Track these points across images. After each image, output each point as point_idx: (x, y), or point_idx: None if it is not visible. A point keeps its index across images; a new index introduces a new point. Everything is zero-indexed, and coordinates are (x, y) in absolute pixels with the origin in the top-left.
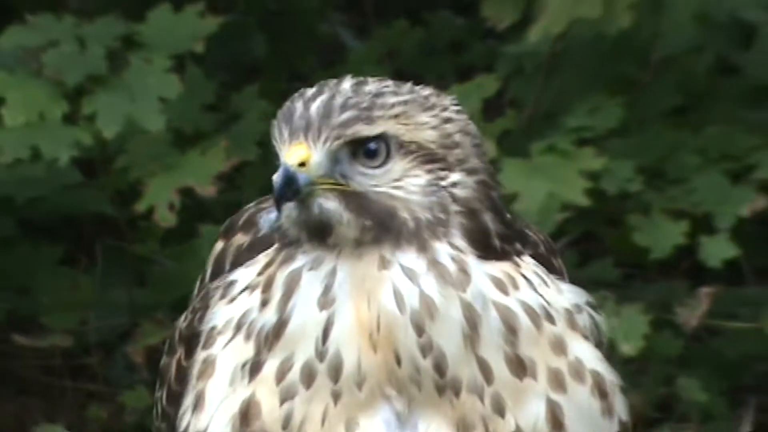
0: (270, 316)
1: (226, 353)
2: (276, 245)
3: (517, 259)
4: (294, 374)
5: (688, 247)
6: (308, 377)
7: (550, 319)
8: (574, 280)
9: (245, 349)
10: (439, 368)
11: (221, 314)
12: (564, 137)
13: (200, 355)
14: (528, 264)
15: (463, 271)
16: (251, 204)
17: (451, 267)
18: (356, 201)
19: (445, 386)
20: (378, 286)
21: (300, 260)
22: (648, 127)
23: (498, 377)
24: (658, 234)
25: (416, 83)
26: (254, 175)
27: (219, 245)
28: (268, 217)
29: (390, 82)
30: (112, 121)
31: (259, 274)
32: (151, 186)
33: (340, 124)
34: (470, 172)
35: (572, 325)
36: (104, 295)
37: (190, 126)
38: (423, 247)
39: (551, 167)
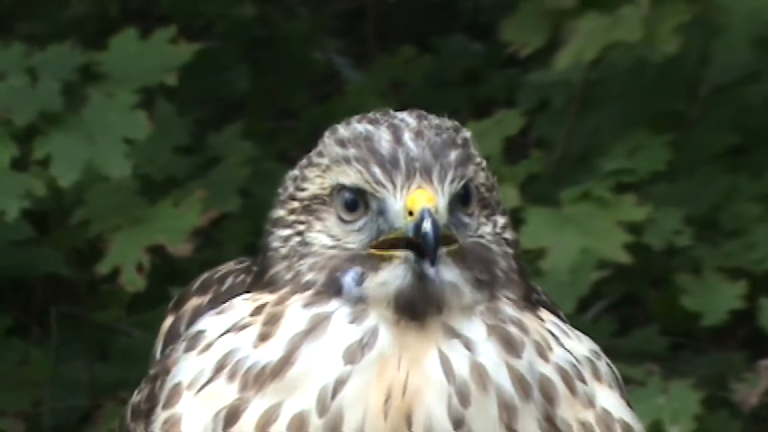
0: (269, 353)
1: (195, 406)
2: (268, 289)
3: (537, 311)
4: (280, 425)
5: (747, 312)
6: (297, 430)
7: (581, 377)
8: (610, 351)
9: (225, 393)
10: None
11: (190, 366)
12: (600, 182)
13: (161, 416)
14: (547, 315)
15: (524, 331)
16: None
17: (513, 329)
18: (462, 260)
19: None
20: (426, 348)
21: (332, 305)
22: (699, 170)
23: None
24: (711, 297)
25: None
26: (235, 229)
27: (168, 320)
28: (351, 277)
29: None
30: (68, 167)
31: (254, 313)
32: (115, 243)
33: (458, 163)
34: (504, 213)
35: (596, 375)
36: (60, 371)
37: (160, 172)
38: (490, 307)
39: (585, 218)
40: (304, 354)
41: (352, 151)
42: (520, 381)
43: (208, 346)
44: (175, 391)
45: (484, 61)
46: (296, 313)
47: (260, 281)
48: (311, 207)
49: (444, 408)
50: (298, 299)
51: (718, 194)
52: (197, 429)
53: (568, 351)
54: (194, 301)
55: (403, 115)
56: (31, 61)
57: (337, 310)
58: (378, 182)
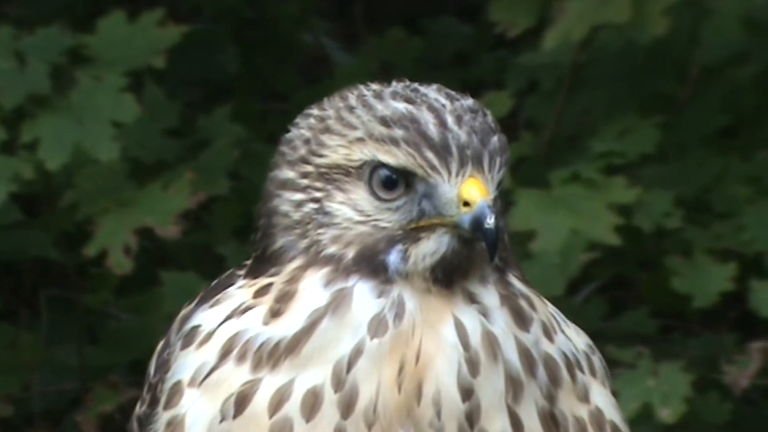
0: (284, 329)
1: (199, 401)
2: (271, 265)
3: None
4: (293, 403)
5: (737, 294)
6: (311, 407)
7: (580, 367)
8: (600, 333)
9: (233, 377)
10: (471, 417)
11: (189, 361)
12: (590, 164)
13: (162, 417)
14: (545, 301)
15: (532, 307)
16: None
17: (523, 303)
18: None
19: None
20: (444, 315)
21: (352, 280)
22: (689, 152)
23: None
24: (701, 279)
25: None
26: (225, 212)
27: (161, 343)
28: (396, 256)
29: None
30: (57, 150)
31: (257, 295)
32: (103, 226)
33: (501, 150)
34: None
35: (591, 369)
36: (50, 354)
37: (149, 155)
38: (502, 279)
39: (575, 200)
40: (324, 328)
41: (399, 133)
42: (526, 355)
43: (208, 336)
44: (176, 390)
45: (474, 43)
46: (315, 288)
47: (260, 262)
48: (331, 175)
49: (454, 377)
50: (316, 275)
51: (708, 176)
52: (203, 424)
53: (569, 339)
54: (182, 312)
55: (429, 91)
56: (20, 44)
57: (358, 284)
58: (432, 167)
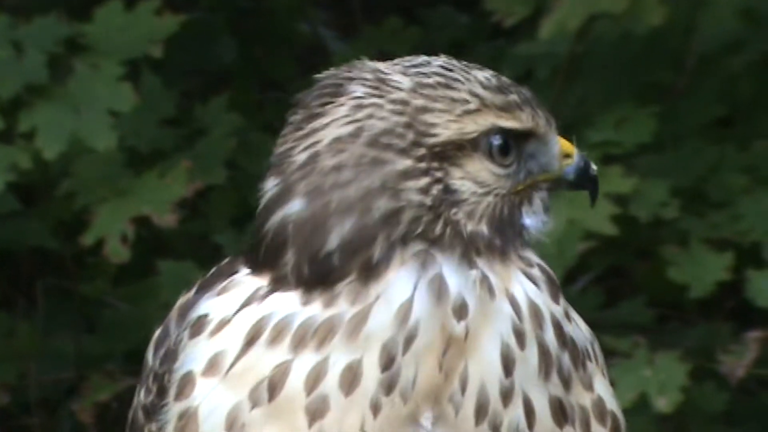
0: (338, 309)
1: (219, 391)
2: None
3: None
4: (331, 380)
5: (733, 284)
6: (350, 383)
7: (587, 353)
8: (596, 323)
9: (265, 361)
10: (506, 394)
11: (201, 351)
12: (586, 154)
13: (173, 408)
14: None
15: (554, 284)
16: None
17: (551, 273)
18: None
19: (485, 418)
20: (505, 283)
21: (445, 264)
22: (685, 142)
23: (539, 422)
24: (697, 268)
25: None
26: (221, 201)
27: (156, 332)
28: (531, 220)
29: None
30: (54, 139)
31: (277, 282)
32: (100, 215)
33: None
34: None
35: (595, 358)
36: (46, 343)
37: (146, 144)
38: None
39: None
40: (416, 314)
41: (513, 97)
42: (559, 332)
43: (221, 325)
44: (187, 381)
45: (471, 33)
46: (407, 277)
47: (331, 269)
48: (445, 153)
49: (497, 350)
50: (408, 264)
51: (704, 165)
52: (221, 415)
53: (578, 324)
54: (180, 301)
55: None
56: (17, 33)
57: (446, 266)
58: (548, 124)
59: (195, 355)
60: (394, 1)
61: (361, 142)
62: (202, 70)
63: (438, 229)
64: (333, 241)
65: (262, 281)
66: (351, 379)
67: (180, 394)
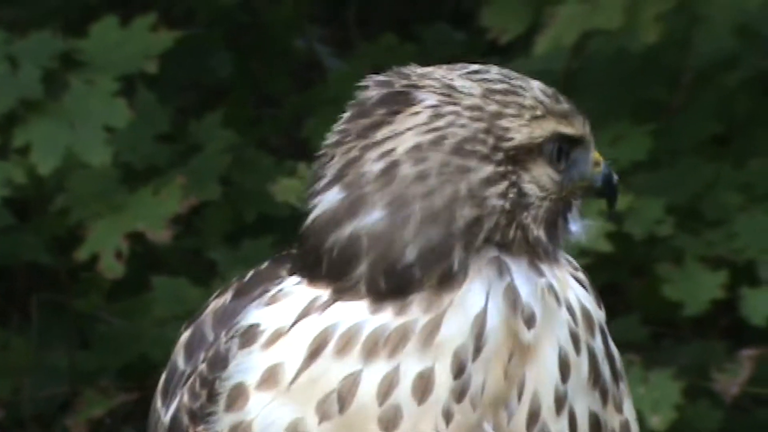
0: (410, 316)
1: (279, 404)
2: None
3: None
4: (403, 389)
5: (728, 302)
6: (423, 391)
7: (621, 375)
8: None
9: (333, 371)
10: (559, 403)
11: (255, 363)
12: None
13: (224, 419)
14: None
15: (595, 290)
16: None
17: (588, 283)
18: None
19: (534, 427)
20: (561, 287)
21: (517, 274)
22: (681, 160)
23: None
24: (692, 286)
25: None
26: (216, 217)
27: (185, 334)
28: (575, 224)
29: None
30: (49, 154)
31: (341, 292)
32: (94, 230)
33: None
34: None
35: (624, 378)
36: (41, 358)
37: (141, 160)
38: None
39: None
40: (490, 323)
41: (566, 106)
42: (605, 339)
43: (276, 336)
44: (239, 393)
45: (467, 50)
46: (479, 287)
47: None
48: (518, 157)
49: (556, 357)
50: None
51: (700, 183)
52: (278, 429)
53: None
54: (214, 305)
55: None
56: (12, 48)
57: (517, 276)
58: (590, 131)
59: (247, 366)
60: (390, 18)
61: (444, 150)
62: (197, 85)
63: (511, 233)
64: (411, 252)
65: (318, 291)
66: (423, 387)
67: (232, 406)
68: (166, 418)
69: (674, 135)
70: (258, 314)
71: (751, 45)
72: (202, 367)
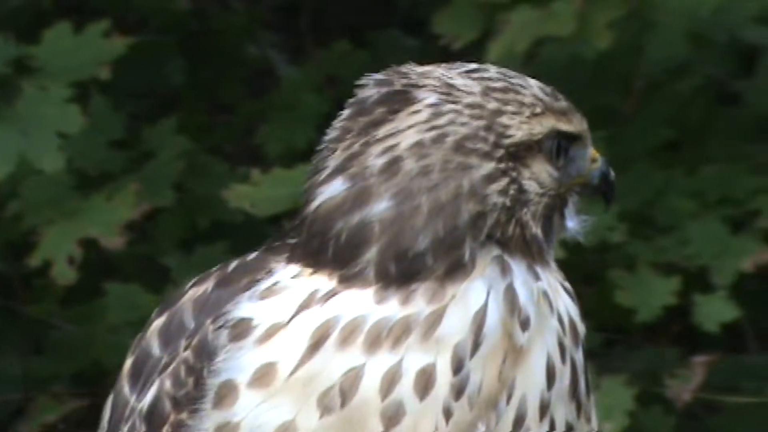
0: (414, 308)
1: (275, 401)
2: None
3: None
4: (406, 384)
5: (680, 308)
6: (424, 387)
7: (591, 387)
8: None
9: (334, 365)
10: (543, 409)
11: (248, 359)
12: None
13: (211, 416)
14: None
15: (578, 301)
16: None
17: (573, 293)
18: None
19: (519, 431)
20: (550, 291)
21: (516, 273)
22: (633, 166)
23: None
24: (644, 292)
25: None
26: (170, 224)
27: (159, 320)
28: (574, 220)
29: None
30: (1, 161)
31: (346, 282)
32: (47, 236)
33: None
34: None
35: (592, 392)
36: None
37: (94, 166)
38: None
39: None
40: (489, 321)
41: (564, 103)
42: (584, 348)
43: (273, 331)
44: (228, 390)
45: (420, 56)
46: (482, 284)
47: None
48: (518, 153)
49: (544, 363)
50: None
51: (652, 190)
52: (272, 428)
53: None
54: (193, 292)
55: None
56: None
57: (517, 276)
58: (587, 128)
59: (238, 363)
60: (344, 25)
61: (445, 147)
62: (150, 92)
63: (510, 230)
64: (423, 240)
65: (319, 282)
66: (425, 382)
67: (219, 403)
68: (143, 403)
69: (626, 141)
70: (251, 307)
71: (704, 52)
72: (187, 354)
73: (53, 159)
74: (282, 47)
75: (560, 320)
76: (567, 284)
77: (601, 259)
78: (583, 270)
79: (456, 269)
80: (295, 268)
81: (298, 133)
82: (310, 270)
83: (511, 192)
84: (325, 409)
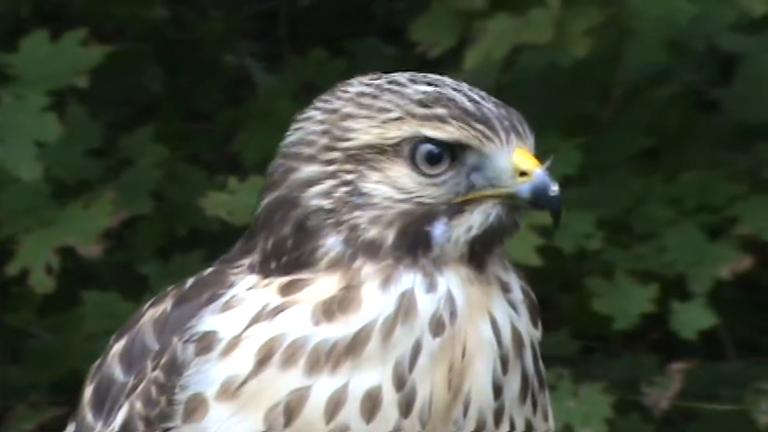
0: (344, 329)
1: (231, 414)
2: (300, 268)
3: None
4: (351, 406)
5: (658, 316)
6: (371, 409)
7: (546, 385)
8: None
9: (280, 383)
10: (498, 416)
11: (215, 372)
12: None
13: (182, 430)
14: None
15: (534, 308)
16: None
17: (533, 297)
18: None
19: None
20: (484, 306)
21: (409, 279)
22: (611, 174)
23: None
24: (622, 300)
25: None
26: (147, 232)
27: (119, 343)
28: (441, 230)
29: None
30: None
31: (285, 293)
32: (25, 245)
33: (527, 122)
34: None
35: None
36: None
37: (71, 174)
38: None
39: None
40: (397, 334)
41: (442, 110)
42: (535, 357)
43: (233, 344)
44: (198, 404)
45: (397, 64)
46: (376, 291)
47: (281, 265)
48: (363, 156)
49: (489, 375)
50: (370, 275)
51: (629, 197)
52: None
53: None
54: (151, 314)
55: (438, 77)
56: None
57: (415, 282)
58: (486, 137)
59: (205, 376)
60: (321, 33)
61: (284, 152)
62: (128, 100)
63: (341, 234)
64: (288, 242)
65: (268, 296)
66: (372, 404)
67: (189, 418)
68: (111, 427)
69: (604, 149)
70: (213, 321)
71: (681, 59)
72: (156, 374)
73: (30, 167)
74: (259, 55)
75: (496, 331)
76: (516, 294)
77: (578, 267)
78: (561, 277)
79: (337, 265)
80: (252, 278)
81: (275, 140)
82: (264, 281)
83: (338, 194)
84: (269, 426)
